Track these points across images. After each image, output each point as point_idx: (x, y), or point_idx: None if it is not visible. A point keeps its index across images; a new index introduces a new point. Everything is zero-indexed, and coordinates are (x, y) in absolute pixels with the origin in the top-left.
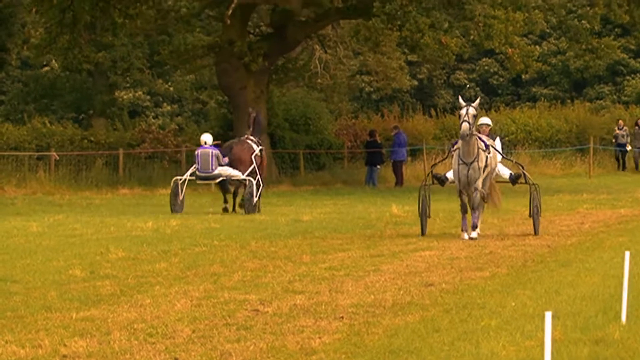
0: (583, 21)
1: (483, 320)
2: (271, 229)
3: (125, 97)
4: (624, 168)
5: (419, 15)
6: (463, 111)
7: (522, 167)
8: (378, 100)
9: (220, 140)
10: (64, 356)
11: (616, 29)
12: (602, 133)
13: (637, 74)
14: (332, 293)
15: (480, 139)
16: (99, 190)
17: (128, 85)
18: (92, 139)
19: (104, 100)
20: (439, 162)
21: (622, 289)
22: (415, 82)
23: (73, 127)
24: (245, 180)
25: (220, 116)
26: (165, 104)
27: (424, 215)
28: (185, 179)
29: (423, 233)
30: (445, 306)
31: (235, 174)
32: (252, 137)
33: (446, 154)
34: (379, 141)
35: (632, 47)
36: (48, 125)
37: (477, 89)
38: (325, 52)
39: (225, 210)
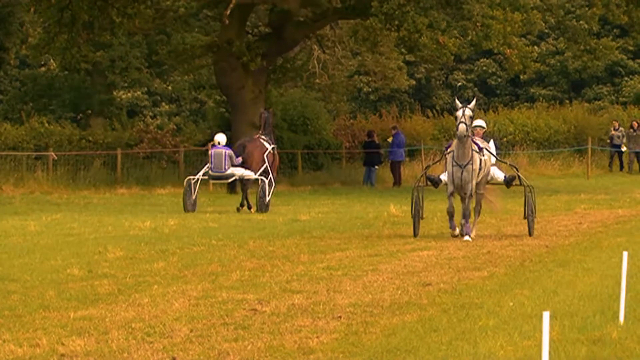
0: (581, 22)
1: (481, 320)
2: (269, 228)
3: (123, 96)
4: (621, 168)
5: (416, 15)
6: (460, 112)
7: (517, 169)
8: (376, 100)
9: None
10: (62, 355)
11: (614, 30)
12: (601, 134)
13: (636, 75)
14: (330, 293)
15: (473, 141)
16: (97, 189)
17: (126, 84)
18: (90, 138)
19: (102, 99)
20: (433, 163)
21: (620, 289)
22: (414, 82)
23: (71, 126)
24: (257, 179)
25: (218, 116)
26: (163, 104)
27: (417, 216)
28: (197, 179)
29: (415, 234)
30: (443, 306)
31: (248, 173)
32: (263, 137)
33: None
34: (377, 141)
35: (631, 48)
36: (46, 125)
37: (475, 89)
38: (324, 52)
39: (239, 209)
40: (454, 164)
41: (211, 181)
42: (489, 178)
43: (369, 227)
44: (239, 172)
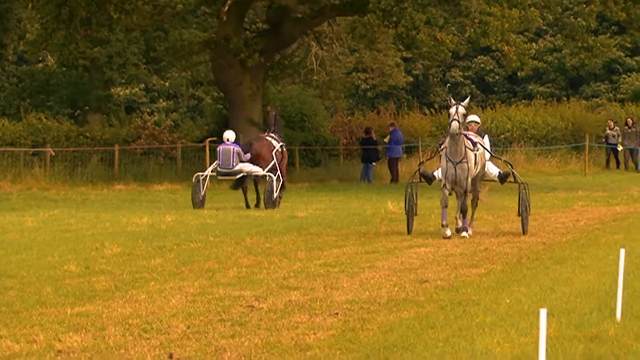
0: (579, 19)
1: (478, 317)
2: (266, 225)
3: (121, 93)
4: (617, 166)
5: (414, 11)
6: (453, 110)
7: (511, 166)
8: (374, 97)
9: (216, 137)
10: (59, 351)
11: (612, 27)
12: (598, 131)
13: (633, 72)
14: (327, 289)
15: (467, 137)
16: (94, 186)
17: (123, 81)
18: (87, 134)
19: (100, 96)
20: (427, 160)
21: (617, 286)
22: (411, 79)
23: (69, 123)
24: (265, 176)
25: (216, 112)
26: (161, 100)
27: (410, 213)
28: (207, 175)
29: (409, 232)
30: (440, 303)
31: (256, 170)
32: (272, 134)
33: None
34: (375, 138)
35: (629, 45)
36: (44, 120)
37: (473, 86)
38: (322, 48)
39: (248, 206)
40: (448, 159)
41: (219, 177)
42: (481, 174)
43: (366, 223)
44: (247, 168)
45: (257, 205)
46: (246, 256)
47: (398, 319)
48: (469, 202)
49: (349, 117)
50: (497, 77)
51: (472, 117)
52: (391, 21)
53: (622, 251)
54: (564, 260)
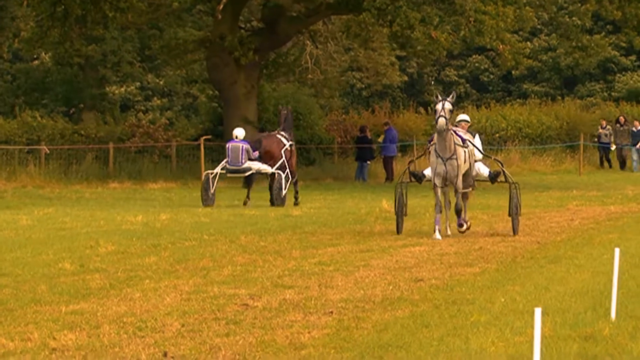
0: (574, 18)
1: (472, 316)
2: (261, 223)
3: (116, 91)
4: (610, 166)
5: (409, 10)
6: (439, 106)
7: (502, 165)
8: (369, 96)
9: (211, 134)
10: (53, 349)
11: (607, 26)
12: (593, 130)
13: (628, 71)
14: (322, 288)
15: (456, 133)
16: (89, 184)
17: (118, 79)
18: (82, 132)
19: (94, 94)
20: (416, 158)
21: (612, 285)
22: (406, 78)
23: (63, 120)
24: (274, 173)
25: (211, 110)
26: (155, 98)
27: (400, 213)
28: (216, 173)
29: (399, 231)
30: (434, 302)
31: (265, 167)
32: (282, 133)
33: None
34: (370, 137)
35: (623, 44)
36: (39, 118)
37: (467, 85)
38: (316, 47)
39: (245, 204)
40: (437, 155)
41: (228, 175)
42: (473, 173)
43: (361, 222)
44: (256, 166)
45: (245, 204)
46: (241, 254)
47: (393, 317)
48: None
49: (344, 116)
50: (491, 77)
51: (462, 117)
52: (386, 20)
53: (617, 250)
54: (558, 259)
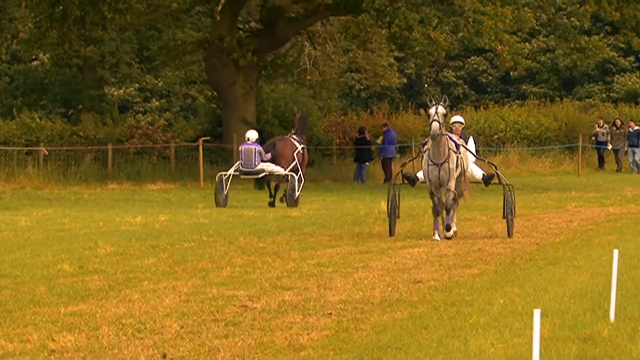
0: (572, 19)
1: (471, 318)
2: (260, 225)
3: (115, 93)
4: (602, 165)
5: (408, 10)
6: (432, 110)
7: (495, 167)
8: (367, 97)
9: (209, 136)
10: (52, 351)
11: (606, 27)
12: (591, 131)
13: (627, 72)
14: (321, 289)
15: (450, 138)
16: (87, 185)
17: (116, 80)
18: (81, 134)
19: (93, 95)
20: (409, 161)
21: (611, 287)
22: (405, 79)
23: (62, 122)
24: (287, 175)
25: (209, 111)
26: (154, 100)
27: (392, 215)
28: (229, 174)
29: (391, 234)
30: (433, 303)
31: (277, 169)
32: (295, 136)
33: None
34: (368, 138)
35: (622, 45)
36: (37, 120)
37: (466, 86)
38: (315, 48)
39: (271, 204)
40: (430, 162)
41: (242, 176)
42: (467, 176)
43: (360, 224)
44: (269, 167)
45: (271, 204)
46: (240, 256)
47: (391, 319)
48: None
49: (342, 117)
50: (490, 78)
51: (456, 118)
52: (384, 21)
53: (616, 252)
54: (557, 260)
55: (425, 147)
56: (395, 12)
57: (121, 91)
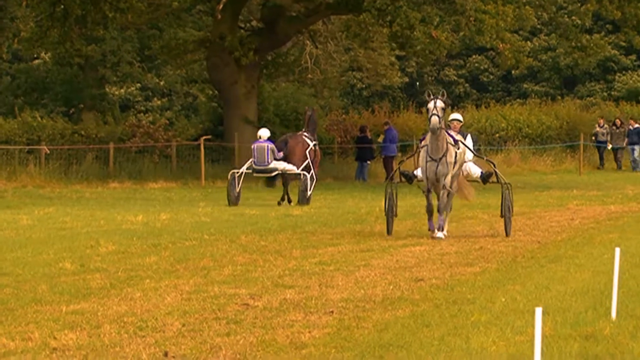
0: (574, 17)
1: (473, 316)
2: (261, 223)
3: (116, 93)
4: (602, 165)
5: (409, 9)
6: (431, 104)
7: (494, 165)
8: (369, 96)
9: (211, 134)
10: (54, 349)
11: (607, 26)
12: (594, 127)
13: (628, 71)
14: (322, 287)
15: (448, 133)
16: (89, 183)
17: (117, 79)
18: (82, 133)
19: (94, 94)
20: (407, 158)
21: (612, 285)
22: (407, 79)
23: (63, 121)
24: (299, 174)
25: (211, 110)
26: (155, 99)
27: (390, 213)
28: (242, 172)
29: (389, 232)
30: (435, 301)
31: (290, 167)
32: (306, 134)
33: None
34: (370, 137)
35: (623, 43)
36: (39, 119)
37: (467, 85)
38: (316, 47)
39: (280, 203)
40: (428, 158)
41: (254, 174)
42: (464, 174)
43: (361, 222)
44: (282, 166)
45: (279, 203)
46: (241, 254)
47: (393, 317)
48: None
49: (344, 116)
50: (491, 77)
51: (455, 116)
52: (386, 20)
53: (617, 250)
54: (559, 259)
55: (423, 142)
56: (396, 11)
57: (122, 90)
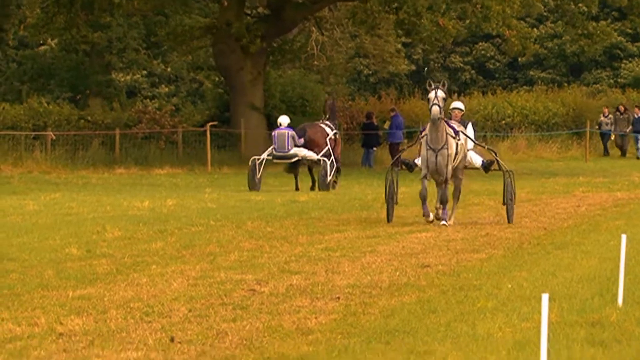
0: (580, 4)
1: (479, 302)
2: (267, 209)
3: (122, 79)
4: (607, 153)
5: None
6: (432, 94)
7: (495, 154)
8: (376, 83)
9: (217, 121)
10: (60, 334)
11: (613, 12)
12: (599, 117)
13: (634, 58)
14: (329, 273)
15: (449, 124)
16: (95, 169)
17: (123, 65)
18: (88, 118)
19: (100, 80)
20: (408, 146)
21: (619, 271)
22: (413, 67)
23: (70, 107)
24: (319, 160)
25: (217, 97)
26: (161, 85)
27: (390, 200)
28: (263, 159)
29: (389, 220)
30: (441, 287)
31: (310, 154)
32: (327, 122)
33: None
34: (376, 123)
35: (629, 30)
36: (45, 105)
37: (473, 72)
38: (322, 34)
39: (312, 188)
40: (428, 147)
41: (275, 161)
42: (466, 163)
43: (367, 208)
44: (302, 152)
45: (312, 189)
46: (247, 240)
47: (399, 303)
48: (450, 192)
49: (350, 102)
50: (497, 64)
51: (456, 104)
52: (392, 7)
53: (624, 237)
54: (565, 245)
55: (424, 132)
56: None
57: (129, 77)
